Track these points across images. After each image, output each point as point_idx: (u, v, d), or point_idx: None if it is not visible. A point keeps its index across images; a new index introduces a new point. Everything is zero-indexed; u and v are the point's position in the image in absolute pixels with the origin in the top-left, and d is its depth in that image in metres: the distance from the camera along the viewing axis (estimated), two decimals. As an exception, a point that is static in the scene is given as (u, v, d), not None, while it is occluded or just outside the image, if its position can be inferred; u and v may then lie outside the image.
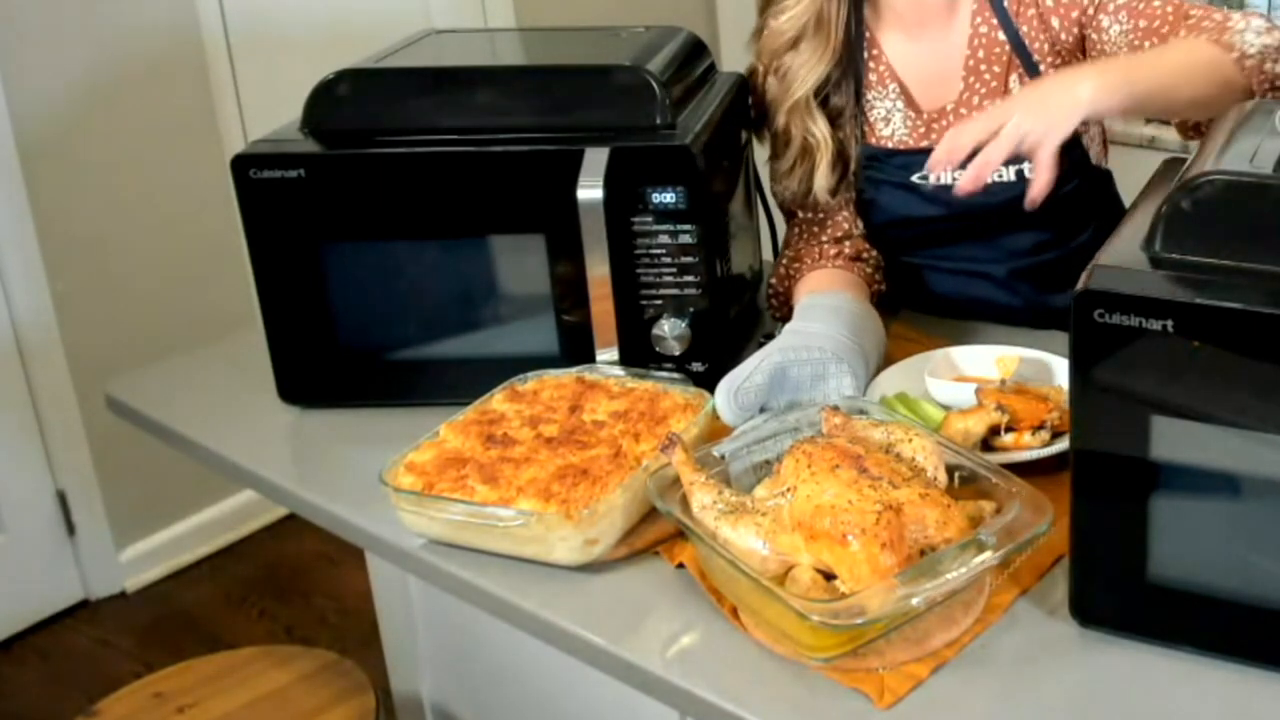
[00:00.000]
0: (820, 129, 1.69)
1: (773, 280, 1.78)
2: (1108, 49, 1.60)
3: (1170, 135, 2.87)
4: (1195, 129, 1.57)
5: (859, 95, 1.72)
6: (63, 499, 3.01)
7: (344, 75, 1.65)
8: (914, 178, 1.70)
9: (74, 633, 3.00)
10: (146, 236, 3.00)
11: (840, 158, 1.71)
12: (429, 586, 1.54)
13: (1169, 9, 1.56)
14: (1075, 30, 1.63)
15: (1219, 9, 1.55)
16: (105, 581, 3.09)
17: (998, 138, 1.36)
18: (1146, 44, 1.56)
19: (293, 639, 2.87)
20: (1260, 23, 1.49)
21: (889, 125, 1.71)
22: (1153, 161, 1.35)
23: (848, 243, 1.74)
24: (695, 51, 1.77)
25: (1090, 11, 1.60)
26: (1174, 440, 1.08)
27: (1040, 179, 1.37)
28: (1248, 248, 1.07)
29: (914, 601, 1.12)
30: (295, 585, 3.10)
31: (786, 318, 1.68)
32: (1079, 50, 1.64)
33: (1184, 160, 1.23)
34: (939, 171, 1.40)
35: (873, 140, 1.73)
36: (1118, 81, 1.40)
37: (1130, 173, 1.77)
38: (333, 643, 2.73)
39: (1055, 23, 1.63)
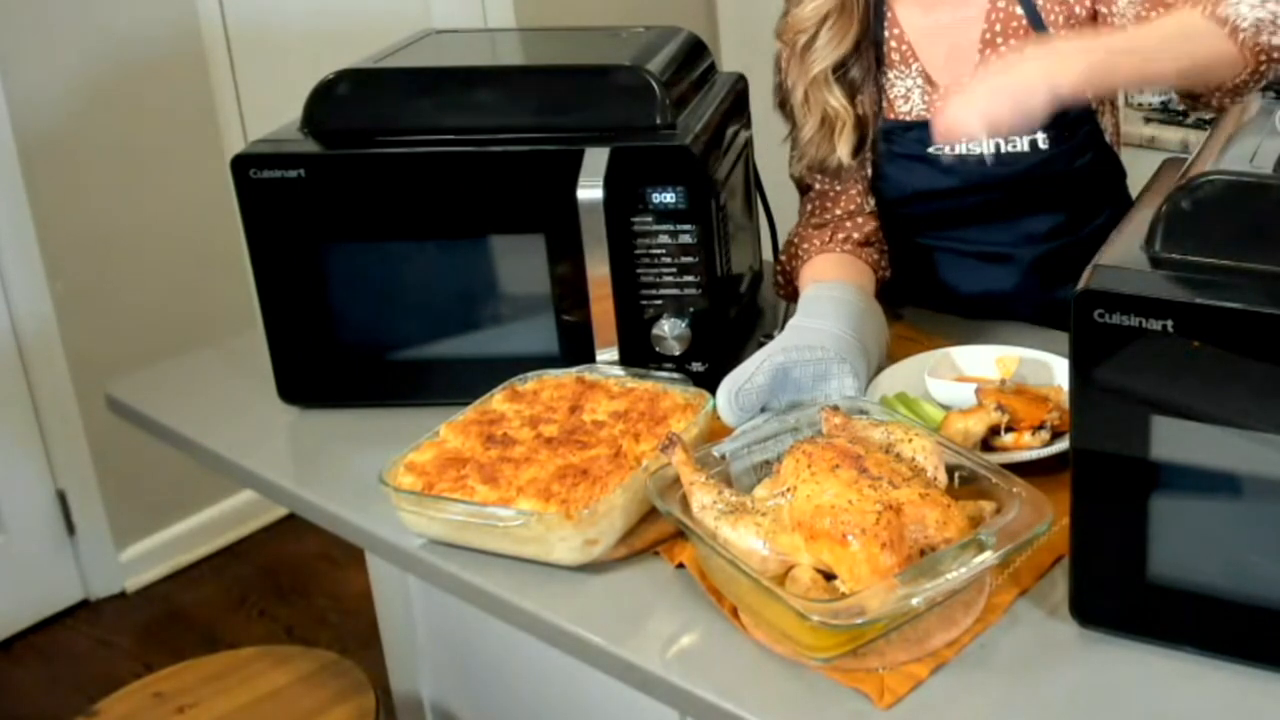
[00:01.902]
0: (838, 100, 1.69)
1: (781, 257, 1.78)
2: (1116, 20, 1.62)
3: (1170, 135, 2.87)
4: (1195, 99, 1.56)
5: (878, 71, 1.72)
6: (63, 499, 3.01)
7: (344, 75, 1.65)
8: (929, 149, 1.70)
9: (74, 633, 3.00)
10: (146, 236, 3.00)
11: (859, 125, 1.71)
12: (429, 586, 1.54)
13: None
14: (1088, 2, 1.63)
15: None
16: (105, 581, 3.09)
17: (1013, 87, 1.36)
18: (1152, 15, 1.56)
19: (293, 639, 2.87)
20: None
21: (908, 102, 1.72)
22: (1153, 161, 1.35)
23: (859, 219, 1.74)
24: (695, 51, 1.77)
25: None
26: (1174, 440, 1.08)
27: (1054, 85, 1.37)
28: (1248, 248, 1.07)
29: (914, 601, 1.12)
30: (295, 585, 3.10)
31: (791, 297, 1.68)
32: (1091, 22, 1.65)
33: (1184, 160, 1.23)
34: (942, 143, 1.41)
35: (891, 115, 1.73)
36: (1105, 54, 1.41)
37: (1130, 173, 1.78)
38: (333, 643, 2.73)
39: None
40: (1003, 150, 1.68)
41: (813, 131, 1.72)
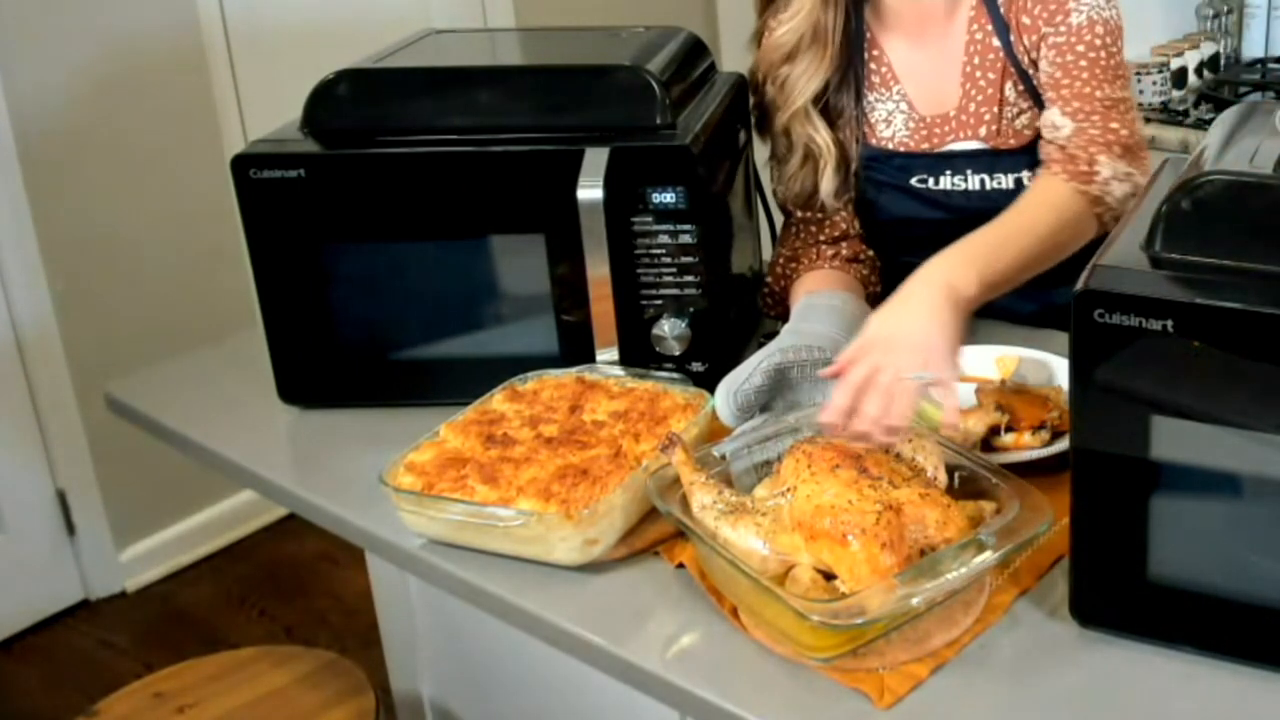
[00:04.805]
0: (822, 135, 1.69)
1: (768, 279, 1.78)
2: (1041, 77, 1.64)
3: (1170, 135, 2.87)
4: None
5: (859, 96, 1.72)
6: (63, 499, 3.01)
7: (344, 75, 1.65)
8: (913, 181, 1.70)
9: (74, 633, 3.00)
10: (146, 236, 3.00)
11: (843, 161, 1.71)
12: (429, 586, 1.54)
13: (1083, 64, 1.59)
14: (1036, 48, 1.64)
15: (1112, 103, 1.59)
16: (105, 581, 3.09)
17: (894, 402, 1.28)
18: (1050, 93, 1.61)
19: (293, 639, 2.87)
20: (1122, 167, 1.55)
21: (890, 127, 1.71)
22: (1153, 161, 1.35)
23: (845, 243, 1.74)
24: (695, 51, 1.77)
25: (1045, 30, 1.62)
26: (1174, 440, 1.08)
27: (949, 405, 1.30)
28: (1248, 248, 1.07)
29: (914, 601, 1.12)
30: (295, 585, 3.10)
31: (782, 317, 1.68)
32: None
33: (1184, 160, 1.23)
34: (830, 427, 1.30)
35: (873, 141, 1.73)
36: (987, 258, 1.40)
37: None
38: (333, 643, 2.73)
39: (1025, 40, 1.64)
40: (988, 187, 1.68)
41: (796, 167, 1.72)
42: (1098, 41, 1.59)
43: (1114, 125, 1.57)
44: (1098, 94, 1.58)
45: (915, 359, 1.30)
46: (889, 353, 1.31)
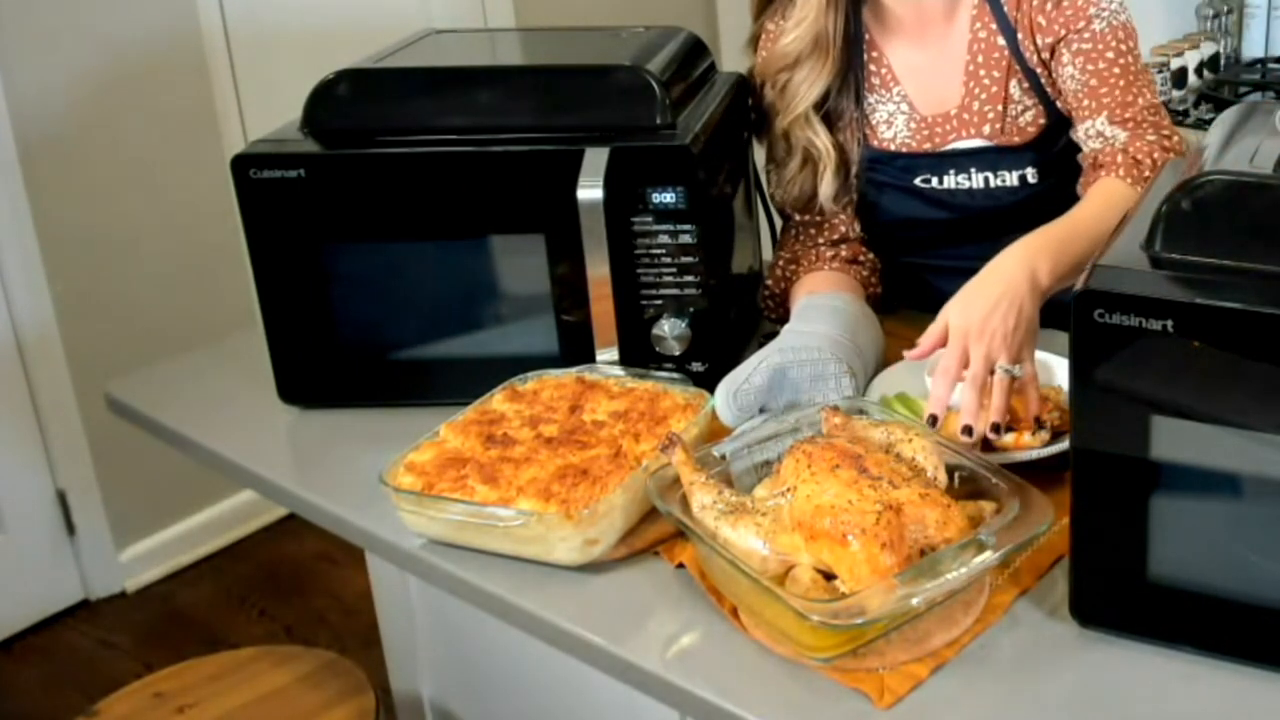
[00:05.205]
0: (822, 139, 1.69)
1: (769, 282, 1.78)
2: (1060, 82, 1.64)
3: (1170, 135, 2.87)
4: None
5: (859, 98, 1.72)
6: (63, 499, 3.01)
7: (344, 75, 1.65)
8: (916, 181, 1.70)
9: (74, 633, 3.00)
10: (146, 236, 3.00)
11: (843, 164, 1.71)
12: (429, 586, 1.54)
13: (1116, 70, 1.59)
14: (1049, 50, 1.64)
15: (1155, 109, 1.60)
16: (105, 581, 3.09)
17: (991, 394, 1.34)
18: (1087, 101, 1.60)
19: (293, 639, 2.87)
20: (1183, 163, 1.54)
21: (891, 128, 1.71)
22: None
23: (845, 246, 1.74)
24: (695, 51, 1.77)
25: (1063, 34, 1.61)
26: (1174, 440, 1.08)
27: (1031, 399, 1.37)
28: (1248, 248, 1.07)
29: (914, 601, 1.12)
30: (295, 585, 3.10)
31: (782, 319, 1.68)
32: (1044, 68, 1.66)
33: (1184, 160, 1.23)
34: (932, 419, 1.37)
35: (875, 142, 1.73)
36: (1048, 265, 1.40)
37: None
38: (333, 643, 2.73)
39: (1038, 40, 1.63)
40: (992, 185, 1.68)
41: (795, 171, 1.72)
42: (1123, 48, 1.60)
43: (1165, 132, 1.59)
44: (1140, 101, 1.59)
45: (1003, 350, 1.33)
46: (978, 342, 1.33)
